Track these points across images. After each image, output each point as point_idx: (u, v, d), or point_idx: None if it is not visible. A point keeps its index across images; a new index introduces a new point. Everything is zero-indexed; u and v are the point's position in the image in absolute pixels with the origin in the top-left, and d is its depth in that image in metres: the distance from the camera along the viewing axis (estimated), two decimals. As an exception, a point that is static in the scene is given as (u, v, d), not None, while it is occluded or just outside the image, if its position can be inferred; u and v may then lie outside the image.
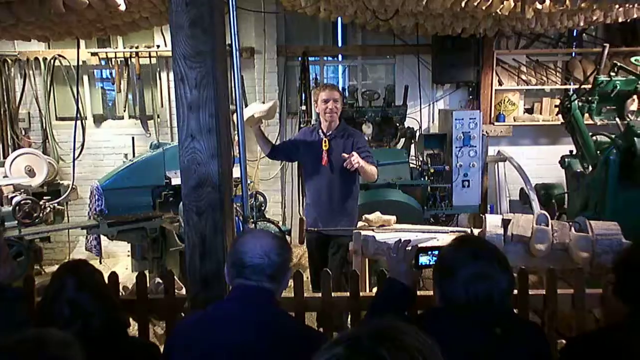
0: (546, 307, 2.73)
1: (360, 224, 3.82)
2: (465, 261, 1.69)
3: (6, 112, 7.13)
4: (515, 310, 2.96)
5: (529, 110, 7.32)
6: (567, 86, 7.01)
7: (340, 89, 7.23)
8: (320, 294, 2.80)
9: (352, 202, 4.23)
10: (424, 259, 2.39)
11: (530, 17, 5.21)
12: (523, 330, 1.77)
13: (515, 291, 2.81)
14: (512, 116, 7.15)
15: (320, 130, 4.18)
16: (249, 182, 6.53)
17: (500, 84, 7.12)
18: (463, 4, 4.64)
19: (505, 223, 3.38)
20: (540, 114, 7.19)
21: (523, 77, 7.20)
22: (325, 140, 4.10)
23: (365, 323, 2.02)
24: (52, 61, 7.04)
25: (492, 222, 3.39)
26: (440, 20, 5.57)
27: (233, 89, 3.16)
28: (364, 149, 4.12)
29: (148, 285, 2.87)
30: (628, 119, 5.07)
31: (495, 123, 7.06)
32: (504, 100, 7.14)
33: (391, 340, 0.94)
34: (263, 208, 5.94)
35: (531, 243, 3.21)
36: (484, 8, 4.76)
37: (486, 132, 6.85)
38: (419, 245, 2.40)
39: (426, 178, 5.71)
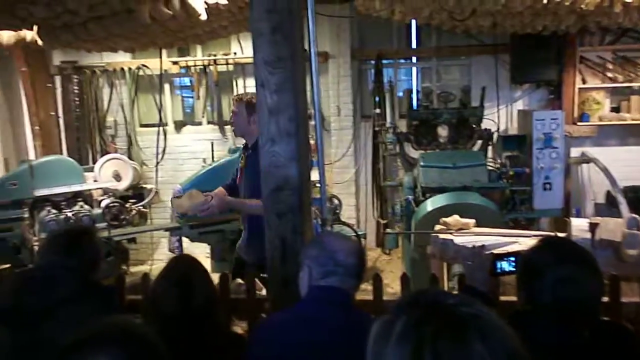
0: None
1: (437, 227, 3.77)
2: (554, 263, 1.63)
3: (95, 120, 7.55)
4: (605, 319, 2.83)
5: (616, 109, 6.95)
6: (658, 83, 6.62)
7: (415, 91, 7.20)
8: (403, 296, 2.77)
9: None
10: (502, 265, 2.32)
11: (619, 10, 4.95)
12: (613, 335, 1.68)
13: (606, 299, 2.69)
14: (597, 116, 6.82)
15: (243, 146, 3.80)
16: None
17: (584, 82, 6.81)
18: (545, 1, 4.47)
19: (593, 227, 3.24)
20: (629, 112, 6.81)
21: (609, 74, 6.85)
22: (242, 157, 3.75)
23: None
24: (136, 71, 7.39)
25: (579, 226, 3.26)
26: (519, 18, 5.40)
27: (310, 93, 3.20)
28: None
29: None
30: None
31: (579, 123, 6.76)
32: (588, 99, 6.83)
33: (469, 304, 0.93)
34: (338, 211, 5.97)
35: (621, 248, 3.05)
36: (567, 4, 4.57)
37: (569, 132, 6.57)
38: (495, 252, 2.33)
39: (505, 181, 5.54)
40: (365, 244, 6.94)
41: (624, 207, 5.45)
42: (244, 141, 3.73)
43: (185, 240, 5.79)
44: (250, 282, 2.94)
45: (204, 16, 4.30)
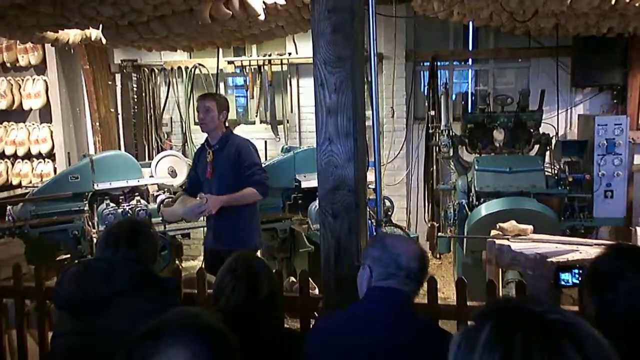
0: None
1: (494, 232, 3.69)
2: (626, 271, 1.56)
3: (152, 117, 7.75)
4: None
5: (685, 115, 6.64)
6: None
7: (469, 94, 7.07)
8: (455, 303, 2.73)
9: (243, 214, 3.86)
10: (565, 277, 2.24)
11: (689, 12, 4.72)
12: None
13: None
14: (663, 122, 6.54)
15: (206, 143, 3.99)
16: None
17: (651, 86, 6.54)
18: (613, 2, 4.30)
19: (661, 238, 3.10)
20: (698, 119, 6.50)
21: (678, 78, 6.55)
22: (209, 152, 3.89)
23: None
24: (192, 70, 7.54)
25: (645, 236, 3.12)
26: (584, 19, 5.21)
27: (368, 94, 3.18)
28: (248, 164, 3.83)
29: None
30: None
31: (643, 129, 6.49)
32: (654, 105, 6.54)
33: (556, 312, 0.90)
34: (390, 213, 5.92)
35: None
36: (637, 5, 4.38)
37: (633, 139, 6.31)
38: (558, 261, 2.25)
39: (563, 187, 5.37)
40: (416, 247, 6.88)
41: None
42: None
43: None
44: (304, 281, 2.95)
45: (262, 16, 4.35)
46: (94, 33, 5.20)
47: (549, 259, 3.26)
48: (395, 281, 1.79)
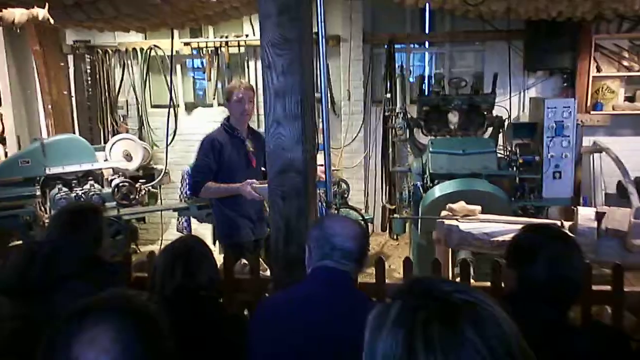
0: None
1: (444, 213, 3.77)
2: (545, 243, 1.68)
3: (107, 100, 7.58)
4: (608, 308, 2.83)
5: (631, 99, 6.85)
6: (675, 72, 6.51)
7: (426, 76, 7.15)
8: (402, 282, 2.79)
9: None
10: None
11: (634, -2, 4.87)
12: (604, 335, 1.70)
13: (609, 287, 2.69)
14: (610, 105, 6.74)
15: (233, 133, 3.90)
16: (332, 169, 6.61)
17: (599, 70, 6.72)
18: (559, -14, 4.40)
19: (599, 217, 3.22)
20: (644, 102, 6.73)
21: (625, 62, 6.75)
22: (247, 142, 3.92)
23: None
24: (148, 51, 7.39)
25: (585, 215, 3.24)
26: (534, 3, 5.32)
27: (318, 76, 3.19)
28: None
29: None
30: None
31: (592, 112, 6.68)
32: (602, 88, 6.74)
33: (463, 291, 0.93)
34: (346, 195, 5.97)
35: (628, 238, 3.04)
36: (583, -10, 4.49)
37: (581, 121, 6.49)
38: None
39: (514, 168, 5.50)
40: (373, 228, 6.96)
41: (634, 197, 5.42)
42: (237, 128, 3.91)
43: (194, 221, 5.84)
44: (255, 262, 2.96)
45: (214, -3, 4.30)
46: (41, 13, 5.03)
47: (495, 238, 3.36)
48: (331, 261, 1.83)
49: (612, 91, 6.74)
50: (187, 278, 1.97)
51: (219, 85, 7.47)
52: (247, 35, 7.21)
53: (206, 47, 7.32)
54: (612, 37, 6.70)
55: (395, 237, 7.04)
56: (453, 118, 5.96)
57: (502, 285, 2.37)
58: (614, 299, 2.57)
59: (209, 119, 7.55)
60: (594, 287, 2.69)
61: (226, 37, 7.24)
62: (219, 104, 7.62)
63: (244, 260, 3.22)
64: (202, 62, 7.58)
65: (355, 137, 7.21)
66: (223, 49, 7.28)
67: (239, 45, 7.28)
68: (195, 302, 1.96)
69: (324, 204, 3.22)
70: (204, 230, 6.85)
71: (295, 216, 2.58)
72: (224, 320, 2.03)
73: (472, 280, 3.31)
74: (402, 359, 0.87)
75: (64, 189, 5.55)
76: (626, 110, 6.70)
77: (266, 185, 3.77)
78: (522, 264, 1.70)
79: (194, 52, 7.47)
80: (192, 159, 6.50)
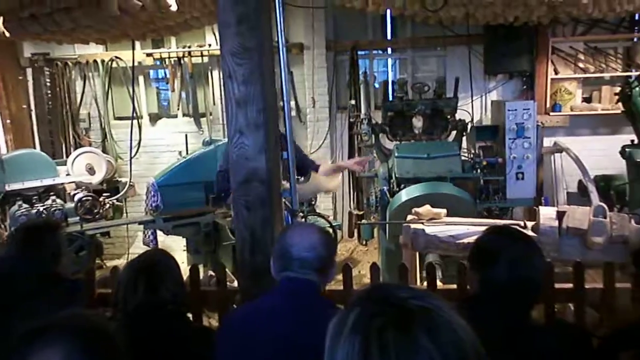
0: (604, 302, 2.64)
1: (410, 217, 3.79)
2: (507, 244, 1.70)
3: (68, 113, 7.44)
4: (571, 305, 2.89)
5: (587, 100, 7.05)
6: (628, 73, 6.70)
7: (390, 82, 7.23)
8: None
9: None
10: None
11: (587, 1, 5.01)
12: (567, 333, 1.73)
13: (571, 285, 2.75)
14: (568, 106, 6.91)
15: None
16: (299, 177, 6.60)
17: (556, 72, 6.89)
18: (515, -8, 4.50)
19: (560, 215, 3.28)
20: (599, 102, 6.91)
21: (580, 65, 6.94)
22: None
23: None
24: (109, 63, 7.29)
25: (546, 215, 3.30)
26: (491, 9, 5.43)
27: (281, 84, 3.18)
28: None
29: (201, 277, 2.95)
30: (694, 106, 4.82)
31: (551, 113, 6.85)
32: (560, 90, 6.91)
33: (420, 297, 0.94)
34: (313, 203, 5.97)
35: (588, 236, 3.10)
36: (537, -5, 4.61)
37: (541, 122, 6.63)
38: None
39: (478, 171, 5.58)
40: (342, 235, 6.97)
41: (594, 195, 5.53)
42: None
43: (160, 233, 5.75)
44: (222, 274, 2.94)
45: (174, 7, 4.26)
46: (-4, 26, 4.93)
47: (461, 240, 3.40)
48: (291, 272, 1.83)
49: (570, 93, 6.91)
50: (150, 293, 1.93)
51: (183, 96, 7.41)
52: (209, 45, 7.17)
53: (169, 57, 7.26)
54: (567, 40, 6.88)
55: (364, 242, 7.07)
56: (417, 123, 6.02)
57: (468, 287, 2.39)
58: (575, 296, 2.62)
59: (174, 130, 7.49)
60: (557, 286, 2.74)
61: (189, 47, 7.19)
62: (184, 115, 7.56)
63: (210, 272, 3.19)
64: (165, 73, 7.50)
65: (322, 143, 7.23)
66: (186, 59, 7.23)
67: (202, 55, 7.24)
68: (159, 317, 1.92)
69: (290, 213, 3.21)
70: (171, 243, 6.77)
71: (260, 226, 2.56)
72: (191, 335, 1.99)
73: (439, 283, 3.34)
74: None
75: (25, 205, 5.42)
76: (584, 110, 6.88)
77: (301, 185, 3.87)
78: (484, 266, 1.72)
79: (157, 62, 7.40)
80: (157, 170, 6.48)
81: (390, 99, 6.54)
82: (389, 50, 7.61)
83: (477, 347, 0.91)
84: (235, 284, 3.03)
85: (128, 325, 1.89)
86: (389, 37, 7.49)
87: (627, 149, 5.27)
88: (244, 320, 1.84)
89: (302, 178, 3.80)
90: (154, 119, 7.65)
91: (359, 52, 7.23)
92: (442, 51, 7.32)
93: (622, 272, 2.89)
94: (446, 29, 6.90)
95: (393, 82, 7.18)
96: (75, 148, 7.09)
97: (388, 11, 6.30)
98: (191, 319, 2.90)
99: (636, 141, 5.21)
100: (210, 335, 2.04)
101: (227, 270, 3.09)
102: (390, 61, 7.73)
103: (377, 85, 7.34)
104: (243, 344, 1.76)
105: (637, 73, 6.31)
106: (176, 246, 6.90)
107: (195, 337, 1.98)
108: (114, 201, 6.23)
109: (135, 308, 1.90)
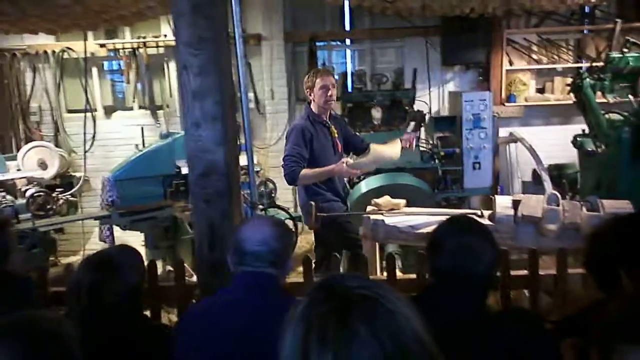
0: (557, 287, 2.71)
1: (369, 208, 3.81)
2: (453, 234, 1.72)
3: (17, 106, 7.18)
4: (526, 291, 2.96)
5: (541, 90, 7.21)
6: (579, 64, 6.89)
7: (349, 73, 7.23)
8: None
9: None
10: None
11: (539, -6, 5.12)
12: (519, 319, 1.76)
13: (526, 272, 2.81)
14: (523, 96, 7.06)
15: (316, 119, 3.99)
16: (259, 169, 6.56)
17: (511, 64, 7.02)
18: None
19: (515, 204, 3.36)
20: (552, 93, 7.09)
21: (534, 56, 7.09)
22: (330, 127, 4.05)
23: None
24: (60, 54, 7.06)
25: (502, 203, 3.37)
26: (447, 0, 5.49)
27: (238, 76, 3.14)
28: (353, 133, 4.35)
29: (159, 272, 2.89)
30: (641, 96, 4.99)
31: (506, 104, 6.98)
32: (515, 81, 7.05)
33: (368, 287, 0.95)
34: (273, 195, 5.95)
35: (542, 223, 3.18)
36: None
37: (497, 113, 6.77)
38: None
39: (436, 161, 5.66)
40: (303, 227, 6.96)
41: (547, 184, 5.71)
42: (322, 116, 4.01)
43: (117, 229, 5.63)
44: (180, 269, 2.89)
45: (127, -4, 4.15)
46: (-62, 15, 4.70)
47: (420, 230, 3.44)
48: (246, 266, 1.83)
49: (524, 84, 7.06)
50: (103, 291, 1.87)
51: (139, 87, 7.25)
52: (165, 36, 7.02)
53: (123, 48, 7.07)
54: (521, 32, 7.02)
55: (325, 234, 7.07)
56: (376, 114, 6.07)
57: (427, 276, 2.42)
58: (530, 282, 2.69)
59: (130, 123, 7.31)
60: (512, 272, 2.80)
61: (144, 37, 7.02)
62: (140, 107, 7.39)
63: (169, 267, 3.14)
64: (119, 64, 7.32)
65: (282, 135, 7.18)
66: (141, 50, 7.06)
67: (157, 46, 7.08)
68: (113, 315, 1.87)
69: (250, 206, 3.19)
70: (128, 238, 6.64)
71: (219, 219, 2.53)
72: (147, 332, 1.95)
73: (399, 273, 3.37)
74: (300, 352, 0.89)
75: (-27, 202, 5.21)
76: (537, 101, 7.04)
77: (362, 159, 3.90)
78: (432, 255, 1.75)
79: (111, 53, 7.20)
80: (113, 164, 6.33)
81: (349, 90, 6.56)
82: (348, 42, 7.61)
83: (421, 338, 0.92)
84: (195, 278, 2.99)
85: (80, 324, 1.83)
86: (347, 28, 7.48)
87: (578, 139, 5.42)
88: (202, 315, 1.82)
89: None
90: (108, 111, 7.45)
91: (318, 43, 7.20)
92: (400, 43, 7.36)
93: (574, 258, 2.97)
94: (404, 21, 6.93)
95: (352, 73, 7.18)
96: (26, 142, 6.84)
97: (346, 2, 6.31)
98: (150, 315, 2.85)
99: (587, 131, 5.36)
100: (164, 333, 2.00)
101: (186, 264, 3.05)
102: (348, 52, 7.73)
103: (336, 77, 7.32)
104: (202, 338, 1.74)
105: (588, 64, 6.49)
106: (134, 241, 6.78)
107: (151, 334, 1.93)
108: (68, 197, 6.05)
109: (89, 307, 1.85)
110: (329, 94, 3.90)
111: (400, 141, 3.97)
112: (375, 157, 3.86)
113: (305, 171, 3.82)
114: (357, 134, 4.42)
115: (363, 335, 0.86)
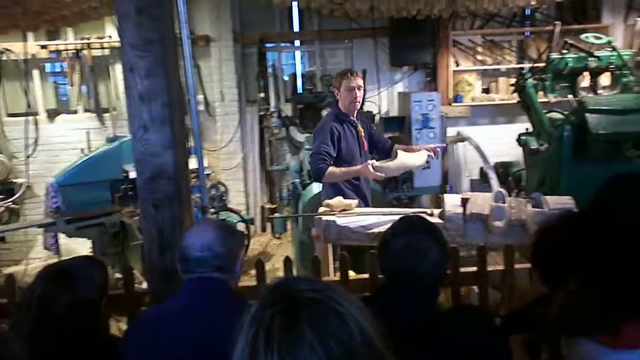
0: (504, 282, 2.78)
1: (321, 209, 3.81)
2: (399, 234, 1.74)
3: (-47, 110, 6.87)
4: (475, 287, 3.03)
5: (486, 90, 7.41)
6: (522, 65, 7.12)
7: (299, 75, 7.24)
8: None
9: None
10: None
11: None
12: (469, 315, 1.79)
13: (475, 268, 2.88)
14: (469, 97, 7.24)
15: (342, 118, 4.03)
16: (210, 172, 6.49)
17: (457, 64, 7.19)
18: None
19: (464, 202, 3.42)
20: (497, 93, 7.29)
21: (479, 57, 7.28)
22: (357, 126, 4.09)
23: None
24: (-2, 55, 6.79)
25: (451, 202, 3.42)
26: (395, 2, 5.57)
27: (186, 78, 3.09)
28: (379, 133, 4.43)
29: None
30: (580, 96, 5.19)
31: (453, 104, 7.14)
32: (461, 81, 7.21)
33: (317, 290, 0.95)
34: (225, 198, 5.89)
35: (489, 220, 3.25)
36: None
37: (445, 113, 6.91)
38: None
39: (376, 161, 5.72)
40: (255, 229, 6.93)
41: (494, 181, 5.86)
42: (349, 115, 4.00)
43: (63, 236, 5.45)
44: (129, 276, 2.82)
45: (69, -4, 4.03)
46: None
47: (371, 230, 3.46)
48: (192, 273, 1.81)
49: (470, 84, 7.23)
50: (53, 302, 1.81)
51: (84, 90, 7.05)
52: (110, 37, 6.85)
53: (66, 49, 6.86)
54: (466, 33, 7.20)
55: (277, 236, 7.06)
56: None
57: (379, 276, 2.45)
58: (479, 279, 2.75)
59: (75, 126, 7.10)
60: (462, 269, 2.86)
61: (87, 38, 6.83)
62: (86, 110, 7.19)
63: (117, 274, 3.06)
64: (62, 66, 7.09)
65: (232, 138, 7.13)
66: (85, 51, 6.86)
67: (102, 47, 6.90)
68: (62, 327, 1.80)
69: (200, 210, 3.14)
70: (75, 246, 6.43)
71: (169, 224, 2.48)
72: (97, 345, 1.89)
73: (352, 273, 3.38)
74: (248, 356, 0.88)
75: None
76: (483, 101, 7.22)
77: (388, 163, 3.82)
78: (381, 256, 1.77)
79: (53, 55, 6.98)
80: (58, 169, 6.13)
81: (300, 91, 6.57)
82: (297, 43, 7.61)
83: (370, 340, 0.91)
84: (145, 285, 2.93)
85: (29, 336, 1.76)
86: (296, 29, 7.49)
87: (522, 137, 5.59)
88: (151, 323, 1.79)
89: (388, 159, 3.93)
90: (52, 115, 7.21)
91: (267, 45, 7.18)
92: (349, 44, 7.42)
93: (521, 253, 3.06)
94: (352, 22, 6.99)
95: (302, 74, 7.20)
96: (-36, 147, 6.57)
97: (295, 3, 6.31)
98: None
99: (531, 129, 5.54)
100: (115, 346, 1.94)
101: (135, 271, 2.97)
102: (298, 54, 7.73)
103: (286, 78, 7.32)
104: (152, 347, 1.71)
105: (530, 65, 6.71)
106: (82, 249, 6.58)
107: (97, 350, 1.87)
108: (9, 204, 5.83)
109: (37, 318, 1.78)
110: (354, 96, 3.94)
111: (427, 150, 3.98)
112: (400, 164, 3.88)
113: (331, 169, 3.85)
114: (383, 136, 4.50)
115: (309, 339, 0.86)
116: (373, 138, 4.27)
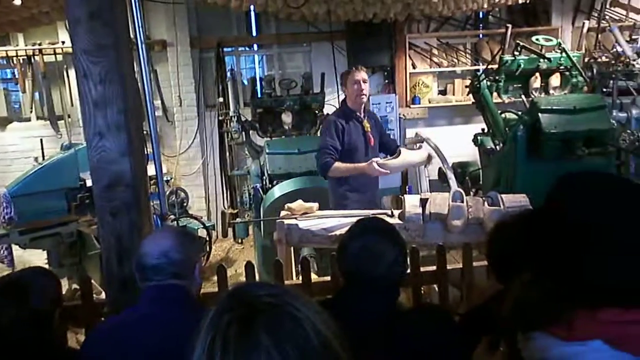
0: (463, 280, 2.84)
1: (283, 212, 3.82)
2: (355, 237, 1.75)
3: None
4: (435, 286, 3.08)
5: (443, 92, 7.55)
6: (476, 67, 7.27)
7: (257, 79, 7.22)
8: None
9: None
10: None
11: (436, 0, 5.35)
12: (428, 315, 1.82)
13: (435, 267, 2.93)
14: (427, 98, 7.35)
15: (348, 113, 4.10)
16: (169, 178, 6.40)
17: (414, 67, 7.29)
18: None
19: (423, 202, 3.47)
20: (453, 94, 7.44)
21: (435, 59, 7.40)
22: (364, 122, 4.12)
23: None
24: (-56, 62, 6.56)
25: (411, 202, 3.47)
26: (351, 6, 5.62)
27: (143, 83, 3.05)
28: (385, 131, 4.51)
29: (64, 292, 2.75)
30: (532, 96, 5.33)
31: (411, 106, 7.23)
32: (419, 83, 7.32)
33: (275, 295, 0.95)
34: (185, 204, 5.82)
35: (448, 220, 3.31)
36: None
37: (403, 115, 7.00)
38: None
39: (347, 163, 5.75)
40: (217, 235, 6.87)
41: (452, 181, 5.91)
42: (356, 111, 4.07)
43: (17, 248, 5.28)
44: (87, 287, 2.76)
45: (17, 1, 3.92)
46: None
47: (333, 233, 3.48)
48: (149, 280, 1.80)
49: (427, 86, 7.35)
50: (13, 317, 1.76)
51: (37, 97, 6.86)
52: (63, 42, 6.69)
53: (17, 55, 6.67)
54: (422, 36, 7.32)
55: (239, 241, 7.02)
56: (287, 118, 6.08)
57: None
58: (439, 277, 2.80)
59: (28, 134, 6.91)
60: (422, 269, 2.91)
61: (39, 44, 6.66)
62: (39, 118, 7.00)
63: (75, 285, 2.99)
64: (13, 73, 6.89)
65: (192, 143, 7.06)
66: (37, 57, 6.68)
67: (55, 53, 6.73)
68: (9, 339, 1.75)
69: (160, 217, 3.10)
70: (29, 257, 6.24)
71: (127, 232, 2.44)
72: (52, 357, 1.84)
73: (314, 276, 3.40)
74: None
75: None
76: (440, 102, 7.35)
77: (391, 160, 3.85)
78: (339, 258, 1.79)
79: (3, 61, 6.77)
80: (11, 179, 5.94)
81: (259, 95, 6.53)
82: (255, 47, 7.59)
83: (328, 344, 0.91)
84: (103, 295, 2.87)
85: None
86: (254, 33, 7.47)
87: (478, 137, 5.70)
88: (110, 333, 1.76)
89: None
90: (3, 123, 7.00)
91: (225, 49, 7.14)
92: (307, 47, 7.44)
93: (478, 251, 3.13)
94: (310, 26, 7.02)
95: (261, 78, 7.18)
96: None
97: (252, 7, 6.29)
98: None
99: (486, 130, 5.66)
100: (68, 358, 1.90)
101: (94, 281, 2.91)
102: (257, 57, 7.72)
103: (245, 82, 7.29)
104: (112, 357, 1.68)
105: (484, 66, 6.86)
106: (37, 260, 6.38)
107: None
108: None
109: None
110: (360, 88, 4.00)
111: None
112: (403, 161, 3.96)
113: (337, 164, 3.92)
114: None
115: (265, 344, 0.86)
116: (383, 139, 4.35)
